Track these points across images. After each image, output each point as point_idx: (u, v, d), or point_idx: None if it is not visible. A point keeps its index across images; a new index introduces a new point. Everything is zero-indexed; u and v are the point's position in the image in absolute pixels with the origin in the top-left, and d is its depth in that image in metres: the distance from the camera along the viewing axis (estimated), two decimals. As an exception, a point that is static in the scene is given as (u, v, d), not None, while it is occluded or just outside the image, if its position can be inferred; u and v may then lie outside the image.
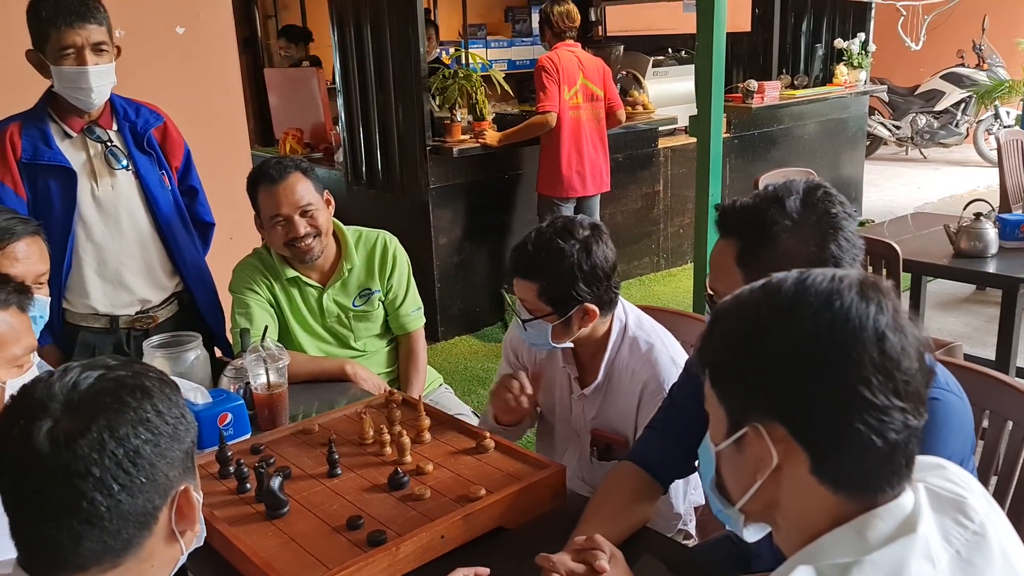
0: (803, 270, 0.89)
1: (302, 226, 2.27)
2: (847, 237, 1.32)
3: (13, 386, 1.30)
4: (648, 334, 1.86)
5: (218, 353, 2.53)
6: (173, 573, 1.02)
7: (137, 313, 2.37)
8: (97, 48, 2.16)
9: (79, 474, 0.86)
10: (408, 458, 1.69)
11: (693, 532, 1.95)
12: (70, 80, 2.17)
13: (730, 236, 1.37)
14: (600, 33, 7.27)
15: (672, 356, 1.82)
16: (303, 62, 6.77)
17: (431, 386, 2.58)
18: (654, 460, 1.58)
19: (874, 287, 0.85)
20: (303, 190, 2.27)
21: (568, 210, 4.61)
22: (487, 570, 1.37)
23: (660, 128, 5.65)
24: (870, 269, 2.97)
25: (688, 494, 1.86)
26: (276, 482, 1.51)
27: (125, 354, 2.34)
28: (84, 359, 2.25)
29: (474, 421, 2.46)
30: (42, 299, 1.80)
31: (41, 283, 1.82)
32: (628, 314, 1.89)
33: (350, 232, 2.45)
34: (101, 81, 2.19)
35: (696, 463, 1.57)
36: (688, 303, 5.00)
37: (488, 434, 1.75)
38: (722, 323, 0.91)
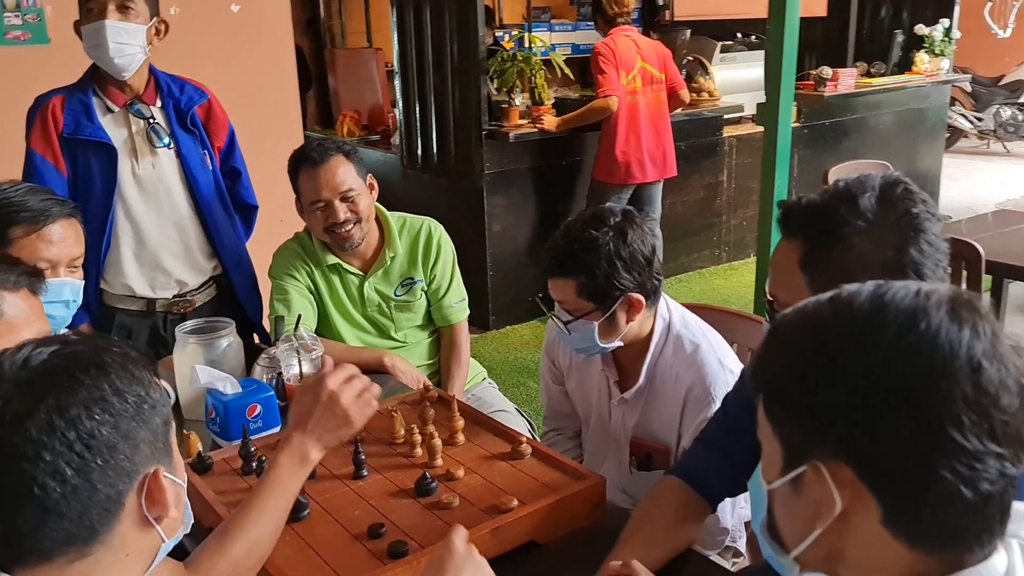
0: (881, 282, 0.76)
1: (342, 212, 2.18)
2: (930, 240, 1.16)
3: None
4: (694, 333, 1.73)
5: (256, 340, 2.47)
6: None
7: (174, 296, 2.32)
8: (122, 6, 2.10)
9: (28, 458, 0.79)
10: (439, 461, 1.59)
11: (743, 550, 1.81)
12: (91, 38, 2.12)
13: (794, 237, 1.23)
14: (667, 18, 7.05)
15: (720, 358, 1.69)
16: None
17: (473, 380, 2.48)
18: (702, 476, 1.45)
19: (968, 306, 0.71)
20: (344, 174, 2.19)
21: (622, 199, 4.46)
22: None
23: (725, 116, 5.45)
24: (948, 271, 2.76)
25: (738, 507, 1.72)
26: (296, 484, 1.42)
27: (161, 339, 2.30)
28: (121, 340, 2.24)
29: (517, 418, 2.37)
30: (75, 282, 1.75)
31: (75, 267, 1.76)
32: (672, 312, 1.76)
33: (394, 219, 2.35)
34: (119, 38, 2.12)
35: (748, 481, 1.44)
36: (749, 299, 4.81)
37: (525, 439, 1.63)
38: (782, 341, 0.78)
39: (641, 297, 1.66)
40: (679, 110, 4.91)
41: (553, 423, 2.07)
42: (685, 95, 4.63)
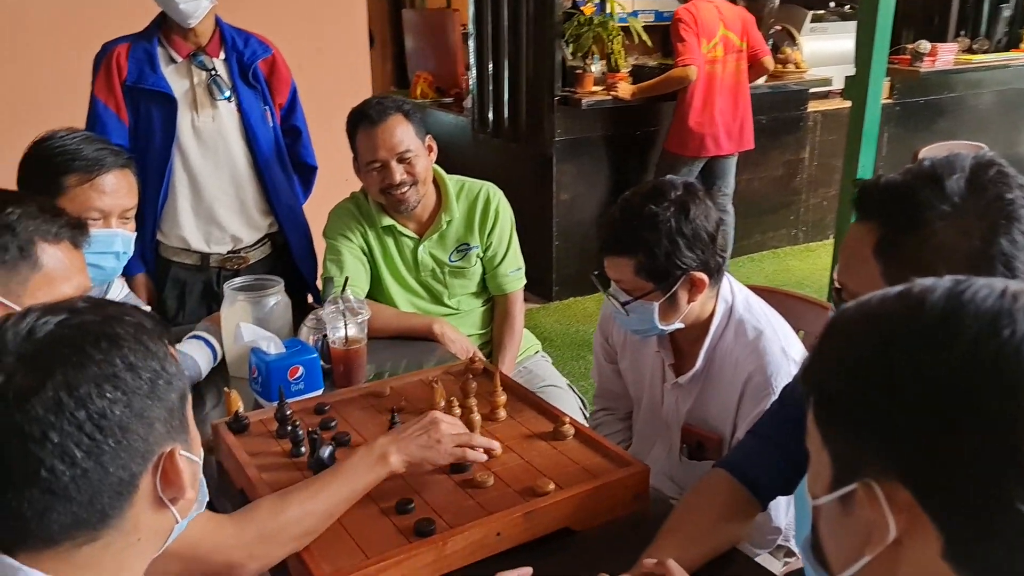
0: (960, 278, 0.65)
1: (399, 173, 2.13)
2: None
3: None
4: (757, 319, 1.62)
5: (310, 300, 2.45)
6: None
7: (228, 252, 2.32)
8: None
9: (34, 439, 0.73)
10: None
11: (796, 549, 1.71)
12: None
13: (870, 219, 1.11)
14: (757, -16, 6.76)
15: (784, 347, 1.57)
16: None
17: (526, 352, 2.41)
18: (753, 472, 1.35)
19: None
20: (402, 134, 2.12)
21: (693, 172, 4.30)
22: (529, 570, 1.20)
23: (811, 89, 5.20)
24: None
25: (792, 505, 1.62)
26: (326, 451, 1.38)
27: (214, 294, 2.29)
28: (175, 295, 2.25)
29: (569, 394, 2.30)
30: (127, 234, 1.74)
31: (127, 218, 1.75)
32: (736, 294, 1.65)
33: (452, 182, 2.29)
34: None
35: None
36: (824, 283, 4.62)
37: (568, 419, 1.56)
38: (839, 338, 0.69)
39: (704, 276, 1.56)
40: (762, 80, 4.70)
41: (603, 403, 1.99)
42: (769, 63, 4.42)
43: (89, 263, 1.42)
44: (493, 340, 2.36)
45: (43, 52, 2.94)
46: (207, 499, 0.99)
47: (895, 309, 0.66)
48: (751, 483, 1.34)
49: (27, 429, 0.73)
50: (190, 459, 0.86)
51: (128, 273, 2.15)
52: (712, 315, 1.62)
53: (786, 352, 1.56)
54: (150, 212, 2.20)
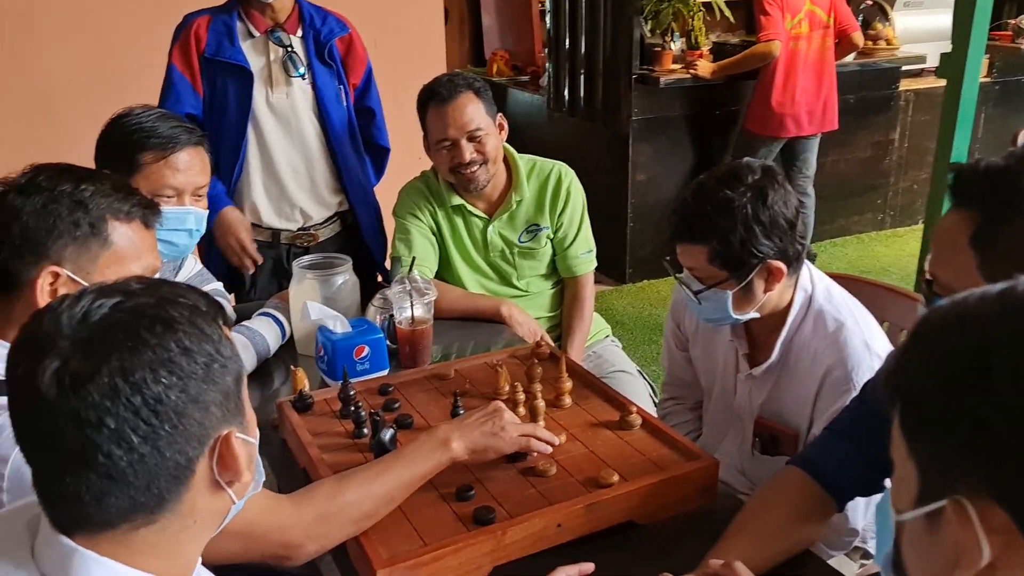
0: None
1: (468, 152, 2.09)
2: None
3: None
4: (839, 310, 1.53)
5: (380, 279, 2.44)
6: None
7: (299, 229, 2.32)
8: None
9: (91, 424, 0.73)
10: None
11: (874, 552, 1.63)
12: None
13: (967, 206, 1.03)
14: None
15: (866, 340, 1.48)
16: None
17: (596, 336, 2.36)
18: (830, 471, 1.28)
19: None
20: (473, 112, 2.09)
21: (772, 152, 4.16)
22: (591, 565, 1.16)
23: (904, 67, 4.96)
24: None
25: (871, 506, 1.54)
26: (387, 434, 1.36)
27: (284, 271, 2.30)
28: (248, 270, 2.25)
29: (639, 380, 2.25)
30: (199, 211, 1.75)
31: (200, 195, 1.76)
32: (816, 283, 1.56)
33: (523, 161, 2.24)
34: None
35: (885, 481, 1.26)
36: (911, 270, 4.42)
37: (635, 408, 1.51)
38: (930, 339, 0.62)
39: (782, 265, 1.48)
40: (850, 58, 4.51)
41: (673, 391, 1.93)
42: (858, 38, 4.22)
43: (162, 240, 1.43)
44: (562, 323, 2.32)
45: (128, 23, 2.99)
46: (264, 479, 0.98)
47: (994, 309, 0.59)
48: (827, 482, 1.28)
49: (83, 415, 0.73)
50: (246, 441, 0.85)
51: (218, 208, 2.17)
52: (790, 305, 1.55)
53: (869, 346, 1.48)
54: (224, 185, 2.23)
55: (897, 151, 5.15)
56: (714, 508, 1.36)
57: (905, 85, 5.03)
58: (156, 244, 1.31)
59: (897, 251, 4.94)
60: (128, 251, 1.24)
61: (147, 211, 1.28)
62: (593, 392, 1.62)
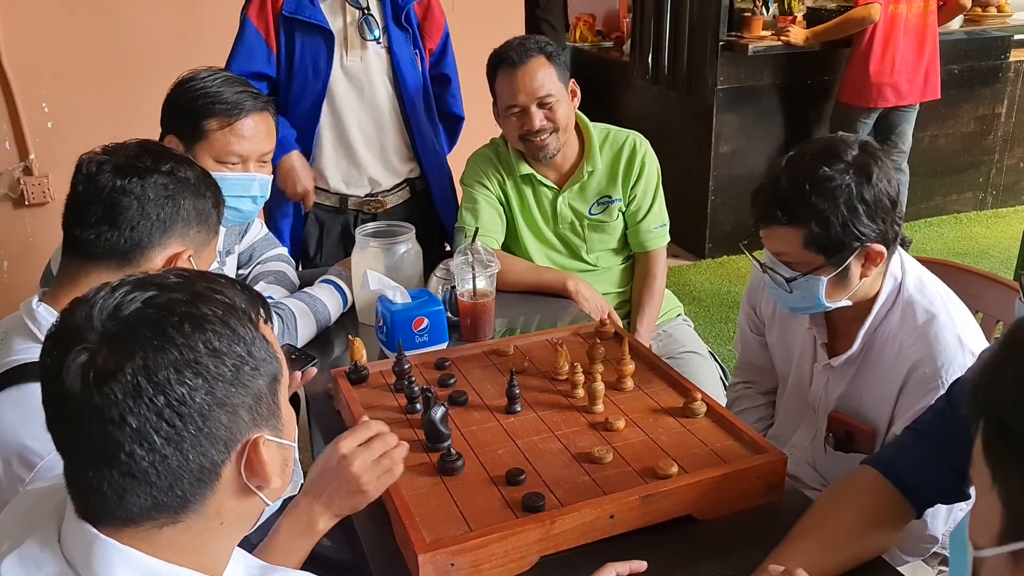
0: None
1: (538, 119, 2.02)
2: None
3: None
4: (931, 301, 1.41)
5: (447, 247, 2.40)
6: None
7: (366, 195, 2.29)
8: None
9: (113, 422, 0.70)
10: (599, 407, 1.43)
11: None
12: None
13: None
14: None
15: (960, 335, 1.36)
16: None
17: (667, 315, 2.27)
18: (910, 475, 1.18)
19: None
20: (544, 77, 2.01)
21: (867, 125, 3.94)
22: (643, 564, 1.10)
23: (1016, 36, 4.63)
24: None
25: (956, 512, 1.42)
26: (438, 413, 1.32)
27: (352, 237, 2.28)
28: (315, 235, 2.25)
29: (709, 362, 2.16)
30: (264, 177, 1.73)
31: (265, 161, 1.74)
32: (907, 271, 1.44)
33: (597, 130, 2.16)
34: None
35: (970, 489, 1.15)
36: (1013, 253, 4.17)
37: (700, 395, 1.43)
38: (1022, 353, 0.53)
39: (882, 248, 1.35)
40: (957, 25, 4.23)
41: (744, 375, 1.83)
42: None
43: (228, 206, 1.41)
44: (632, 300, 2.23)
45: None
46: (301, 480, 0.94)
47: None
48: (906, 487, 1.18)
49: (106, 412, 0.70)
50: (280, 444, 0.81)
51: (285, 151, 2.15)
52: (878, 293, 1.43)
53: (962, 341, 1.35)
54: (301, 144, 2.21)
55: (1003, 126, 4.84)
56: (779, 507, 1.27)
57: (1016, 56, 4.71)
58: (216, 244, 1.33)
59: (998, 233, 4.66)
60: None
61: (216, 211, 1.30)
62: (657, 375, 1.55)
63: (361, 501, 1.16)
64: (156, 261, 1.18)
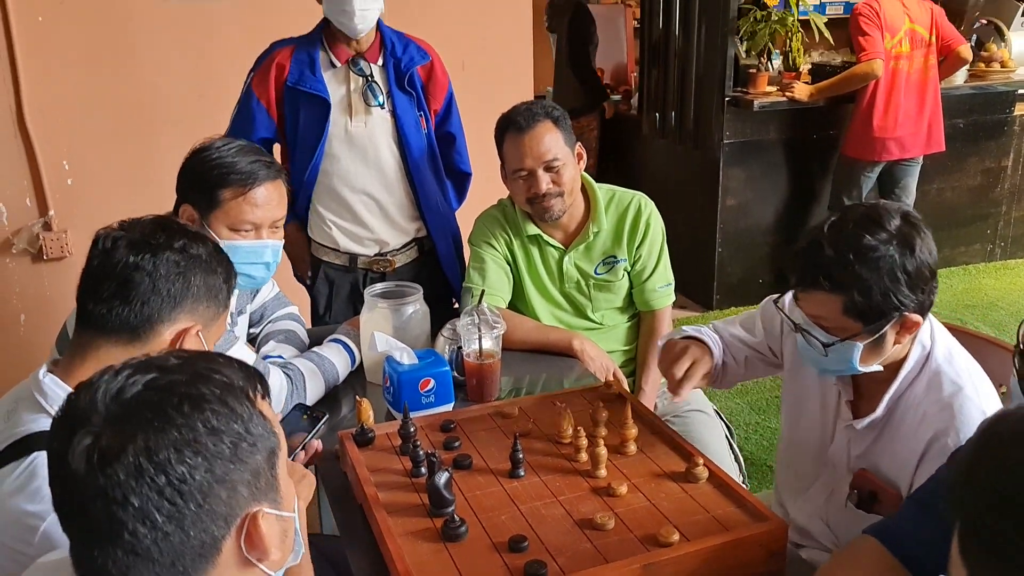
0: None
1: (545, 182, 2.06)
2: None
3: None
4: (958, 373, 1.40)
5: (455, 305, 2.43)
6: None
7: (375, 255, 2.33)
8: None
9: (117, 501, 0.74)
10: (602, 472, 1.44)
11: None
12: (336, 3, 2.13)
13: None
14: (963, -27, 6.19)
15: (984, 410, 1.35)
16: None
17: (673, 373, 2.28)
18: (911, 545, 1.18)
19: None
20: (550, 142, 2.06)
21: (870, 179, 3.98)
22: None
23: (1020, 91, 4.69)
24: None
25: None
26: (442, 478, 1.34)
27: (361, 296, 2.31)
28: (325, 293, 2.28)
29: (714, 421, 2.17)
30: (276, 243, 1.76)
31: (277, 227, 1.77)
32: (936, 340, 1.44)
33: (602, 192, 2.20)
34: (366, 5, 2.12)
35: None
36: (1022, 306, 4.18)
37: (703, 460, 1.44)
38: (992, 455, 0.55)
39: (919, 317, 1.36)
40: (962, 80, 4.30)
41: (723, 329, 1.77)
42: (966, 51, 4.00)
43: (240, 272, 1.44)
44: (637, 357, 2.26)
45: (222, 46, 3.08)
46: (303, 550, 0.96)
47: None
48: (907, 557, 1.18)
49: (110, 493, 0.73)
50: (279, 516, 0.84)
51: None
52: (905, 358, 1.43)
53: (985, 415, 1.35)
54: (301, 208, 2.26)
55: (1010, 179, 4.87)
56: (780, 575, 1.28)
57: (1020, 110, 4.76)
58: (226, 318, 1.35)
59: (1007, 285, 4.67)
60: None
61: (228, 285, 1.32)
62: (660, 439, 1.56)
63: None
64: (165, 336, 1.21)
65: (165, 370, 0.79)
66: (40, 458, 1.09)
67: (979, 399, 1.38)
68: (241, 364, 0.85)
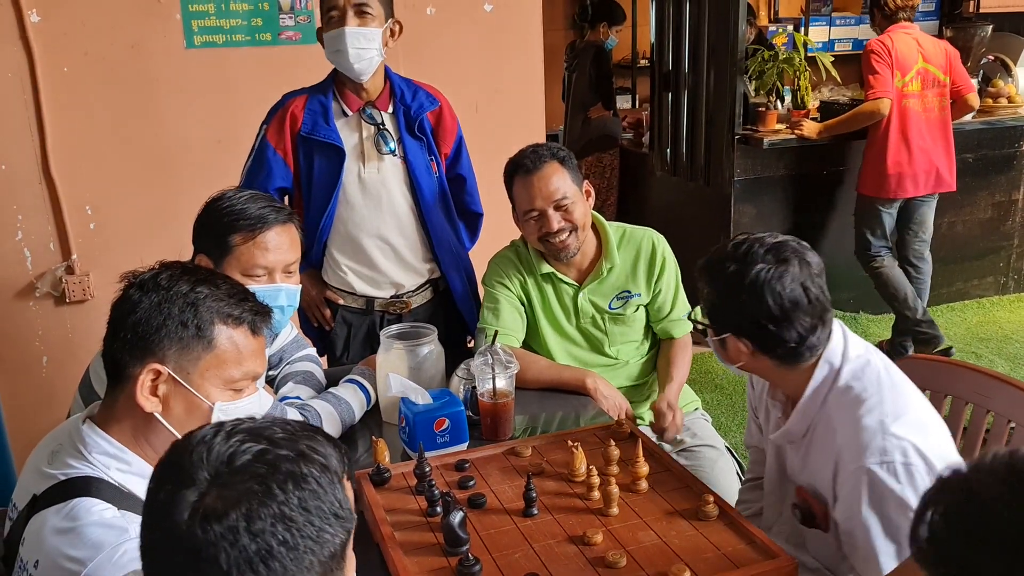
0: None
1: (556, 221, 2.11)
2: None
3: (223, 409, 1.23)
4: (865, 387, 1.44)
5: (470, 345, 2.47)
6: None
7: (391, 297, 2.37)
8: (359, 10, 2.15)
9: (205, 559, 0.77)
10: (615, 510, 1.47)
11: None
12: (332, 44, 2.19)
13: None
14: (970, 9, 6.24)
15: (883, 420, 1.38)
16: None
17: (685, 408, 2.30)
18: None
19: None
20: (558, 181, 2.11)
21: (890, 215, 4.01)
22: None
23: (1028, 125, 4.72)
24: None
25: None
26: (456, 518, 1.36)
27: (378, 336, 2.35)
28: (342, 336, 2.31)
29: (725, 457, 2.19)
30: (291, 287, 1.79)
31: (291, 271, 1.80)
32: (846, 359, 1.48)
33: (613, 229, 2.24)
34: (357, 43, 2.16)
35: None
36: (1036, 339, 4.16)
37: (713, 497, 1.46)
38: (953, 491, 0.58)
39: (748, 345, 1.49)
40: (970, 116, 4.33)
41: (756, 470, 1.86)
42: (974, 99, 4.04)
43: None
44: (658, 370, 2.30)
45: (242, 94, 3.17)
46: None
47: (998, 495, 0.55)
48: None
49: (204, 550, 0.77)
50: None
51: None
52: (812, 376, 1.50)
53: (884, 425, 1.38)
54: (315, 254, 2.31)
55: (1021, 212, 4.89)
56: (792, 611, 1.29)
57: (1029, 144, 4.79)
58: (263, 350, 1.31)
59: (1021, 316, 4.66)
60: (230, 356, 1.24)
61: (257, 317, 1.29)
62: (671, 476, 1.59)
63: None
64: (135, 378, 1.20)
65: (274, 443, 0.83)
66: (81, 504, 1.13)
67: (881, 410, 1.41)
68: (335, 444, 0.88)
